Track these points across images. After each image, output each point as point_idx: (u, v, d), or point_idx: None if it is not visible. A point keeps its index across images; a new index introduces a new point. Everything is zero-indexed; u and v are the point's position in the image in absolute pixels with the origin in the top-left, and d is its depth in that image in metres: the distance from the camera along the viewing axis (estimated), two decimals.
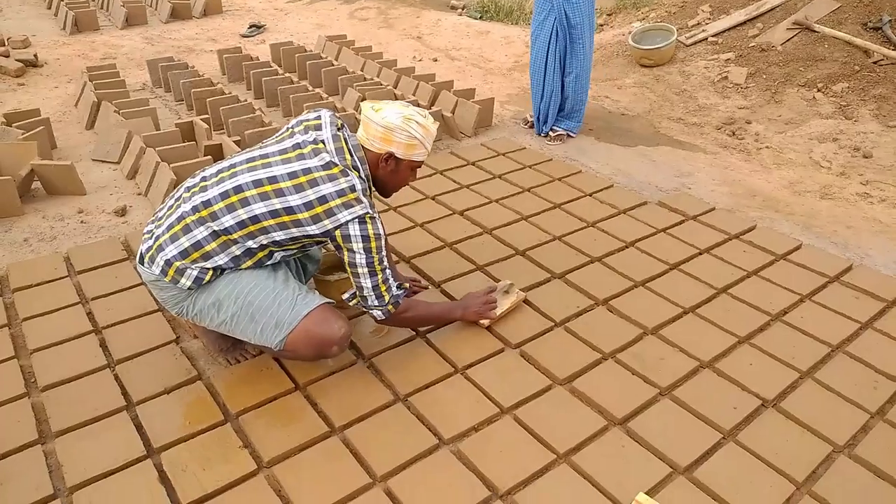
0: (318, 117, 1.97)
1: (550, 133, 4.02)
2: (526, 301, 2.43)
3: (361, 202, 1.86)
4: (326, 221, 1.84)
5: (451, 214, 3.05)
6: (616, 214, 3.13)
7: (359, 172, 1.92)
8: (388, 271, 1.96)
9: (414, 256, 2.70)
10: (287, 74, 4.61)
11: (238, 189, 1.85)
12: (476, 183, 3.37)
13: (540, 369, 2.14)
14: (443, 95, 4.18)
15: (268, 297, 1.90)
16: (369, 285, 1.93)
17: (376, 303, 1.97)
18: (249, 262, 1.93)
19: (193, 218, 1.86)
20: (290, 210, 1.83)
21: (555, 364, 2.15)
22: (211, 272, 1.89)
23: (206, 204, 1.86)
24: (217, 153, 3.34)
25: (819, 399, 2.06)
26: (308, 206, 1.83)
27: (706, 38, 5.35)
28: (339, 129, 1.97)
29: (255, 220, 1.84)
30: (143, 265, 1.93)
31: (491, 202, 3.19)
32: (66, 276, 2.52)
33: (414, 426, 1.91)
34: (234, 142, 3.31)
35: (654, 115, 4.56)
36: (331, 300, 2.00)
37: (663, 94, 4.87)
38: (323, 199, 1.83)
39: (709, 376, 2.14)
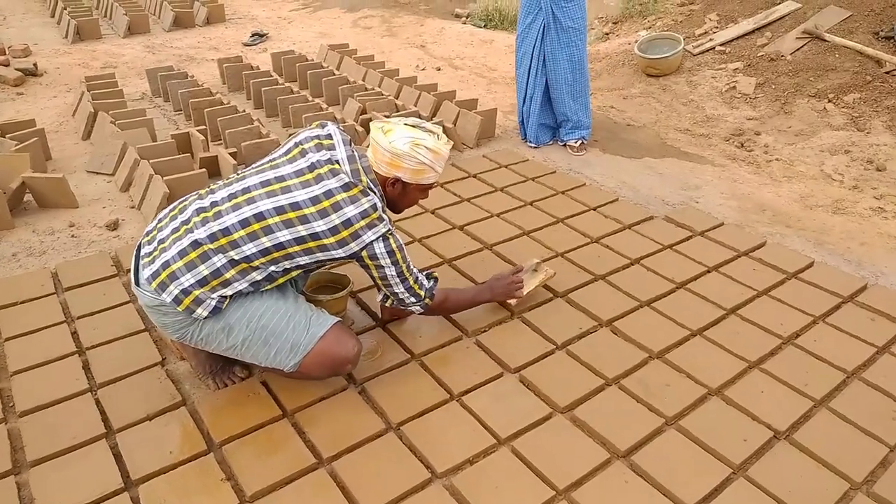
0: (330, 135, 1.93)
1: (573, 145, 3.95)
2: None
3: (383, 220, 1.87)
4: (352, 244, 1.84)
5: (450, 229, 2.96)
6: (621, 230, 3.03)
7: (374, 192, 1.89)
8: (415, 271, 2.02)
9: None
10: (287, 84, 4.55)
11: (259, 217, 1.80)
12: (477, 196, 3.28)
13: (540, 396, 2.05)
14: (445, 106, 4.10)
15: (281, 320, 1.87)
16: (402, 290, 2.00)
17: (413, 300, 2.05)
18: (270, 286, 1.91)
19: (211, 246, 1.80)
20: (315, 236, 1.81)
21: (555, 390, 2.05)
22: (228, 300, 1.84)
23: (225, 232, 1.80)
24: (212, 165, 3.27)
25: (834, 430, 1.95)
26: (333, 230, 1.81)
27: (714, 48, 5.25)
28: (352, 149, 1.92)
29: (279, 247, 1.81)
30: (141, 288, 1.85)
31: (492, 216, 3.10)
32: (53, 293, 2.45)
33: (405, 458, 1.81)
34: (230, 154, 3.24)
35: (660, 125, 4.47)
36: (339, 318, 1.99)
37: (670, 104, 4.78)
38: (348, 223, 1.81)
39: (717, 405, 2.04)
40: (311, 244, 1.82)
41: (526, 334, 2.30)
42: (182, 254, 1.81)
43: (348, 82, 4.50)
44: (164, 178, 2.98)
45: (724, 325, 2.41)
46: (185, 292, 1.79)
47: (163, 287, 1.80)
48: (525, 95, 3.93)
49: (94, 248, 2.79)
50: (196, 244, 1.81)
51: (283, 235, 1.80)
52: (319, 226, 1.80)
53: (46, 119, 4.15)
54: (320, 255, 1.86)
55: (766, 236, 3.06)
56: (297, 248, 1.83)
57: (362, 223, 1.82)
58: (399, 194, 1.97)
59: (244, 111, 3.85)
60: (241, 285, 1.84)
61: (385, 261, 1.90)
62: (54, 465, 1.76)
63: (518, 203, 3.24)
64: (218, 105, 3.98)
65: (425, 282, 2.07)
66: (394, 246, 1.90)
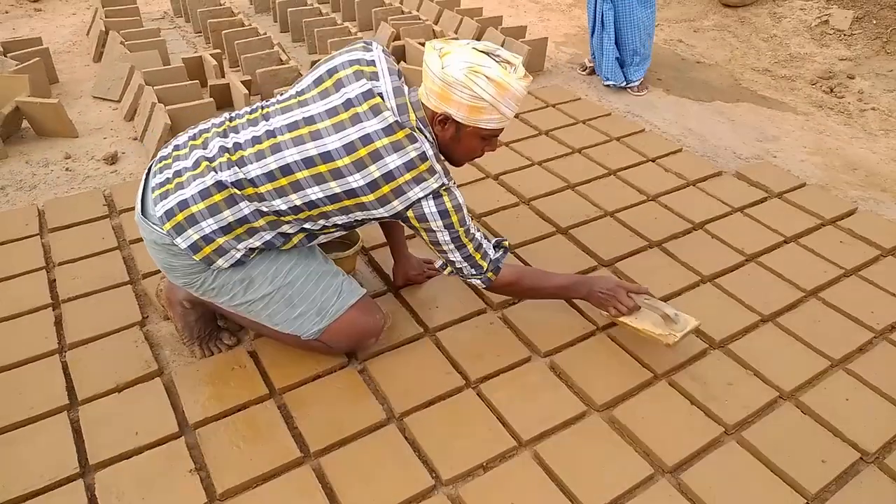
0: (373, 61, 1.54)
1: (634, 88, 3.45)
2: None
3: (435, 172, 1.51)
4: (395, 203, 1.50)
5: (483, 179, 2.59)
6: (683, 186, 2.60)
7: (425, 135, 1.51)
8: (477, 236, 1.65)
9: None
10: (318, 6, 4.13)
11: (286, 170, 1.48)
12: (518, 140, 2.88)
13: (573, 389, 1.72)
14: (488, 33, 3.64)
15: (310, 279, 1.64)
16: (459, 258, 1.64)
17: (473, 272, 1.68)
18: (298, 239, 1.62)
19: (238, 192, 1.51)
20: (351, 193, 1.49)
21: (592, 383, 1.72)
22: (256, 252, 1.58)
23: (251, 183, 1.50)
24: (223, 94, 2.95)
25: None
26: (372, 186, 1.48)
27: None
28: (399, 77, 1.55)
29: (311, 205, 1.51)
30: (149, 221, 1.56)
31: (533, 164, 2.70)
32: (37, 234, 2.21)
33: (406, 458, 1.52)
34: (242, 82, 2.90)
35: (735, 64, 3.90)
36: (367, 292, 1.75)
37: (748, 39, 4.17)
38: (389, 177, 1.47)
39: (790, 413, 1.67)
40: (348, 202, 1.50)
41: (561, 312, 1.95)
42: (204, 194, 1.51)
43: (383, 4, 4.06)
44: (168, 107, 2.67)
45: (803, 310, 2.01)
46: (207, 240, 1.52)
47: (179, 230, 1.51)
48: (594, 25, 3.42)
49: (89, 183, 2.53)
50: (221, 185, 1.51)
51: (314, 193, 1.49)
52: (356, 180, 1.47)
53: (60, 38, 3.87)
54: (360, 215, 1.55)
55: (857, 201, 2.59)
56: (331, 207, 1.52)
57: (407, 176, 1.47)
58: (451, 138, 1.55)
59: (266, 34, 3.47)
60: (269, 235, 1.56)
61: (437, 223, 1.54)
62: (6, 439, 1.53)
63: (565, 150, 2.82)
64: (238, 27, 3.61)
65: (491, 251, 1.68)
66: (449, 205, 1.53)
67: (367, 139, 1.46)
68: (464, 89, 1.43)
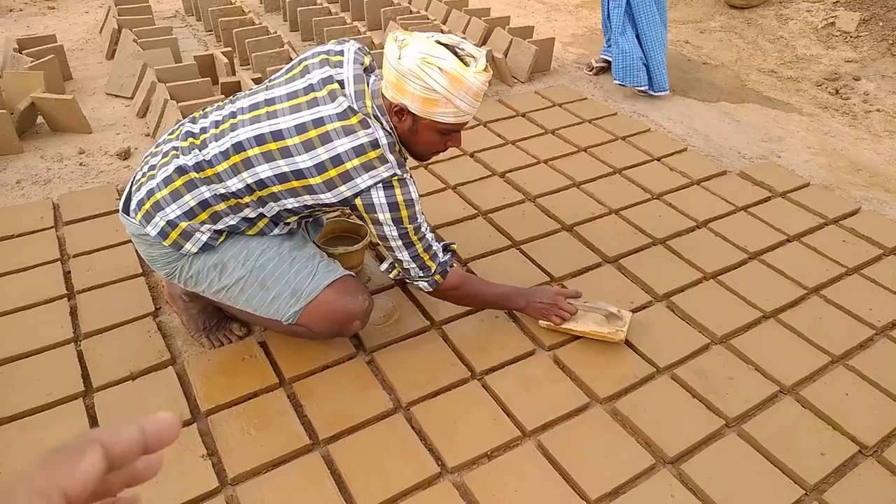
0: (341, 52, 1.57)
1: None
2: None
3: (386, 161, 1.49)
4: (343, 188, 1.49)
5: (489, 176, 2.62)
6: (688, 185, 2.63)
7: (381, 123, 1.51)
8: (428, 236, 1.62)
9: (440, 226, 2.30)
10: (327, 5, 4.17)
11: (239, 147, 1.50)
12: (524, 139, 2.91)
13: (576, 381, 1.75)
14: (496, 33, 3.67)
15: (283, 261, 1.62)
16: (407, 257, 1.62)
17: (420, 273, 1.66)
18: (264, 224, 1.63)
19: (198, 175, 1.55)
20: (299, 174, 1.49)
21: (595, 376, 1.75)
22: (223, 236, 1.59)
23: (209, 164, 1.54)
24: (234, 91, 2.98)
25: None
26: (319, 168, 1.47)
27: None
28: (365, 69, 1.56)
29: (261, 184, 1.52)
30: (129, 216, 1.61)
31: (539, 163, 2.74)
32: (52, 227, 2.25)
33: (413, 446, 1.56)
34: (253, 80, 2.94)
35: (741, 65, 3.92)
36: (350, 272, 1.70)
37: (754, 40, 4.20)
38: (337, 160, 1.46)
39: (790, 407, 1.70)
40: (296, 184, 1.51)
41: None
42: (167, 181, 1.55)
43: (392, 4, 4.09)
44: (180, 103, 2.72)
45: (805, 307, 2.03)
46: (172, 224, 1.55)
47: (147, 218, 1.57)
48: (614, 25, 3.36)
49: (102, 178, 2.57)
50: (181, 170, 1.55)
51: (264, 171, 1.50)
52: (304, 161, 1.47)
53: (73, 36, 3.92)
54: (308, 199, 1.54)
55: (861, 201, 2.62)
56: (280, 188, 1.52)
57: (356, 161, 1.46)
58: (409, 130, 1.53)
59: (276, 33, 3.52)
60: (233, 220, 1.58)
61: (385, 215, 1.52)
62: (22, 425, 1.58)
63: (570, 149, 2.85)
64: (249, 25, 3.66)
65: (440, 254, 1.67)
66: (399, 198, 1.51)
67: (319, 122, 1.47)
68: (416, 80, 1.42)
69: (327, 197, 1.52)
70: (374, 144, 1.47)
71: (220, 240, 1.61)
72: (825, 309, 2.03)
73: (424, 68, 1.41)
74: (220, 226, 1.59)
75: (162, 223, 1.56)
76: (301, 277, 1.61)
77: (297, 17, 3.94)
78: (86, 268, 2.07)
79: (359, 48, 1.61)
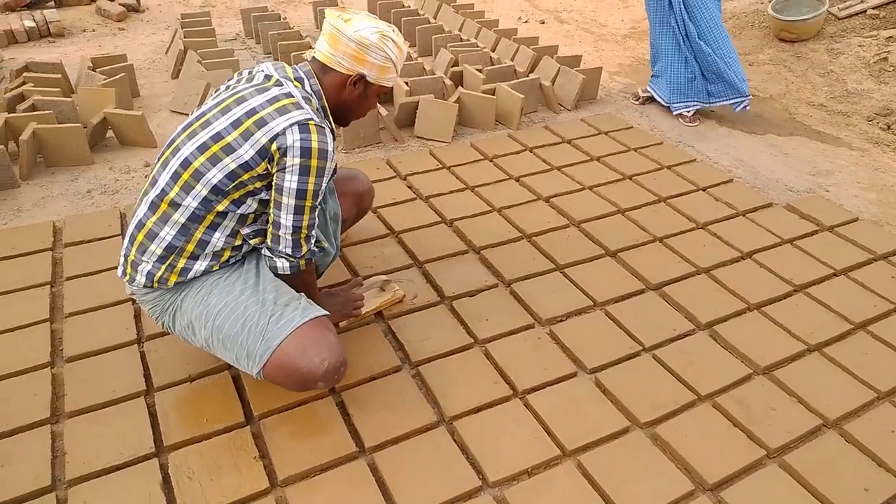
0: (272, 68, 1.69)
1: (685, 114, 3.50)
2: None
3: (301, 108, 1.55)
4: (258, 134, 1.51)
5: (534, 200, 2.68)
6: (733, 216, 2.64)
7: (301, 85, 1.65)
8: (315, 223, 1.65)
9: (484, 247, 2.36)
10: None
11: (185, 164, 1.55)
12: (569, 165, 2.96)
13: (618, 405, 1.77)
14: (544, 62, 3.75)
15: (236, 322, 1.59)
16: (289, 224, 1.59)
17: (288, 251, 1.63)
18: (228, 254, 1.66)
19: (154, 218, 1.59)
20: (246, 166, 1.53)
21: (637, 401, 1.77)
22: (183, 277, 1.64)
23: (161, 195, 1.58)
24: None
25: None
26: (236, 124, 1.53)
27: (865, 11, 4.55)
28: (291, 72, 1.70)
29: (216, 190, 1.55)
30: (126, 281, 1.69)
31: (584, 189, 2.78)
32: (118, 235, 2.39)
33: (455, 459, 1.60)
34: None
35: (790, 98, 3.92)
36: (320, 313, 1.63)
37: (804, 74, 4.18)
38: (252, 112, 1.54)
39: (834, 441, 1.69)
40: (244, 176, 1.54)
41: (608, 330, 2.02)
42: (132, 240, 1.63)
43: (443, 31, 4.22)
44: None
45: (851, 342, 2.02)
46: (150, 276, 1.62)
47: (131, 281, 1.66)
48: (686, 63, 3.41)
49: None
50: (140, 225, 1.61)
51: (214, 175, 1.53)
52: (246, 151, 1.52)
53: (141, 55, 4.15)
54: (231, 165, 1.52)
55: None
56: (231, 186, 1.54)
57: (269, 109, 1.53)
58: (359, 97, 1.70)
59: None
60: (204, 263, 1.63)
61: (294, 160, 1.51)
62: (90, 418, 1.68)
63: (615, 176, 2.89)
64: (306, 49, 3.81)
65: (312, 242, 1.67)
66: (314, 144, 1.52)
67: (251, 112, 1.54)
68: (378, 51, 1.62)
69: (245, 151, 1.51)
70: (288, 95, 1.57)
71: (184, 287, 1.64)
72: (872, 345, 2.01)
73: (384, 41, 1.63)
74: (193, 264, 1.62)
75: (143, 277, 1.62)
76: (252, 339, 1.57)
77: None
78: None
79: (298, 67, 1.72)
